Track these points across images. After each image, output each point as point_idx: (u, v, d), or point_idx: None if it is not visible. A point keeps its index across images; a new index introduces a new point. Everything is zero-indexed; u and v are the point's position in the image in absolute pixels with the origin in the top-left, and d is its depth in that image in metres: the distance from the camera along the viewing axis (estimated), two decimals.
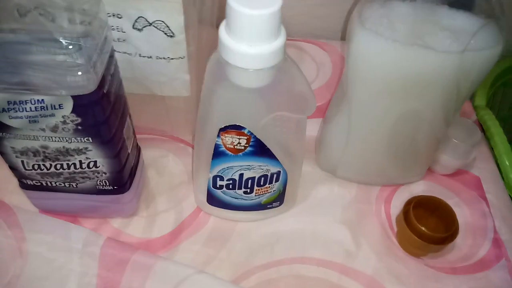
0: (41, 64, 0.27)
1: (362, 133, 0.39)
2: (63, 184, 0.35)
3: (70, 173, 0.34)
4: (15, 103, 0.28)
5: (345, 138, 0.40)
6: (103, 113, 0.30)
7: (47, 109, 0.29)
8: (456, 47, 0.31)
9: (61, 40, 0.26)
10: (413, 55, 0.31)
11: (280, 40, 0.27)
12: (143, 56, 0.37)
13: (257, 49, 0.26)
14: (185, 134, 0.46)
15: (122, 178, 0.35)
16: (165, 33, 0.35)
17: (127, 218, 0.40)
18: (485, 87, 0.55)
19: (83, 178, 0.35)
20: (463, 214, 0.42)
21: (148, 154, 0.44)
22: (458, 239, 0.40)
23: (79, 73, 0.27)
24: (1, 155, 0.33)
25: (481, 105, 0.53)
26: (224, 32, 0.27)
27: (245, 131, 0.31)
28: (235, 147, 0.32)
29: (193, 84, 0.40)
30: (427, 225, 0.40)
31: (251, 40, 0.26)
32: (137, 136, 0.40)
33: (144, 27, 0.35)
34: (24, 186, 0.36)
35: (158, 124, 0.45)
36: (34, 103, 0.28)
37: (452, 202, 0.43)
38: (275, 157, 0.34)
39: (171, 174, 0.43)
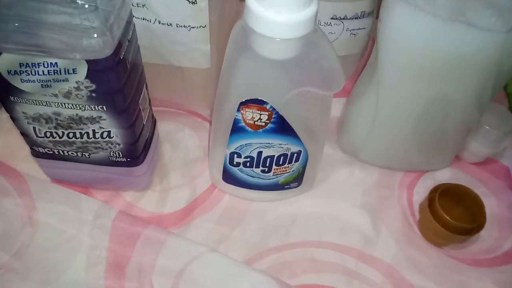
0: (55, 25, 0.25)
1: (390, 116, 0.37)
2: (75, 154, 0.34)
3: (83, 143, 0.33)
4: (27, 65, 0.27)
5: (371, 120, 0.38)
6: (118, 80, 0.28)
7: (60, 74, 0.27)
8: (502, 26, 0.28)
9: (78, 0, 0.24)
10: (454, 32, 0.28)
11: (311, 9, 0.25)
12: (163, 24, 0.35)
13: (286, 16, 0.24)
14: (203, 108, 0.45)
15: (136, 150, 0.34)
16: (187, 0, 0.33)
17: (139, 192, 0.39)
18: None
19: (96, 148, 0.33)
20: (490, 204, 0.40)
21: (163, 127, 0.42)
22: (483, 231, 0.38)
23: (95, 35, 0.25)
24: (13, 121, 0.32)
25: None
26: None
27: (267, 106, 0.29)
28: (255, 123, 0.30)
29: (213, 56, 0.39)
30: (452, 215, 0.38)
31: (280, 6, 0.24)
32: (153, 108, 0.39)
33: None
34: (35, 154, 0.35)
35: (175, 97, 0.44)
36: (47, 67, 0.27)
37: (478, 192, 0.40)
38: (297, 135, 0.32)
39: (186, 149, 0.42)
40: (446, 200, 0.37)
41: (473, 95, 0.34)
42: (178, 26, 0.35)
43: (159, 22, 0.35)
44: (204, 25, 0.35)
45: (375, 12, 0.42)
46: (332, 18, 0.40)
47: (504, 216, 0.40)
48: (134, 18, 0.35)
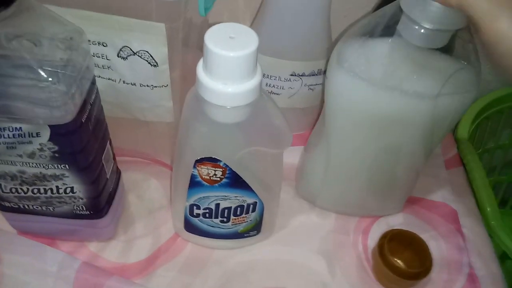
0: (20, 95, 0.27)
1: (340, 165, 0.39)
2: (40, 208, 0.35)
3: (47, 198, 0.34)
4: None
5: (324, 169, 0.40)
6: (80, 142, 0.30)
7: (24, 137, 0.29)
8: (430, 91, 0.31)
9: (40, 71, 0.26)
10: (388, 98, 0.31)
11: (256, 79, 0.27)
12: (127, 83, 0.38)
13: (233, 88, 0.27)
14: (168, 158, 0.46)
15: (99, 204, 0.36)
16: (149, 63, 0.36)
17: (104, 242, 0.40)
18: (468, 121, 0.56)
19: (60, 202, 0.35)
20: (439, 248, 0.43)
21: (129, 177, 0.44)
22: (434, 273, 0.40)
23: (57, 104, 0.27)
24: None
25: (462, 138, 0.53)
26: (201, 70, 0.28)
27: (221, 164, 0.31)
28: (211, 178, 0.33)
29: (177, 109, 0.41)
30: (403, 259, 0.40)
31: (227, 79, 0.27)
32: (120, 158, 0.40)
33: (129, 56, 0.35)
34: (2, 208, 0.36)
35: (141, 147, 0.46)
36: (12, 131, 0.29)
37: (429, 235, 0.43)
38: (251, 189, 0.34)
39: (152, 198, 0.44)
40: (396, 244, 0.39)
41: (416, 146, 0.37)
42: (141, 85, 0.37)
43: (124, 82, 0.37)
44: (166, 85, 0.38)
45: None
46: (291, 75, 0.43)
47: (453, 259, 0.42)
48: (100, 78, 0.37)
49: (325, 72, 0.45)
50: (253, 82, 0.27)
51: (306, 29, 0.40)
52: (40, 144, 0.30)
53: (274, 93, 0.45)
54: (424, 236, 0.40)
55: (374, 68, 0.32)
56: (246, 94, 0.27)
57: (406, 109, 0.32)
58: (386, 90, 0.31)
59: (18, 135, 0.29)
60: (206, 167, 0.32)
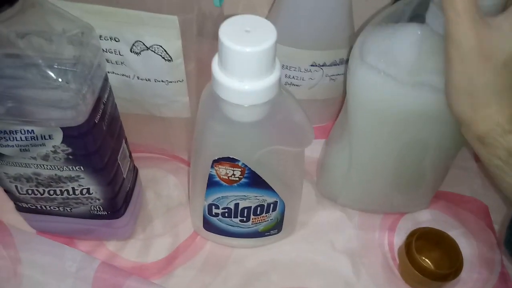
0: (30, 98, 0.26)
1: (364, 161, 0.37)
2: (57, 208, 0.35)
3: (63, 199, 0.34)
4: (5, 132, 0.28)
5: (347, 166, 0.38)
6: (94, 143, 0.29)
7: (37, 139, 0.28)
8: None
9: (49, 72, 0.25)
10: (415, 94, 0.29)
11: (274, 76, 0.26)
12: (142, 79, 0.36)
13: (250, 85, 0.25)
14: (186, 154, 0.45)
15: (116, 204, 0.35)
16: (163, 57, 0.34)
17: (123, 241, 0.39)
18: None
19: (76, 203, 0.34)
20: (470, 245, 0.41)
21: (147, 174, 0.43)
22: (463, 272, 0.38)
23: (68, 105, 0.26)
24: None
25: None
26: (216, 67, 0.26)
27: (239, 164, 0.30)
28: (229, 178, 0.31)
29: (194, 105, 0.40)
30: (431, 257, 0.39)
31: (244, 76, 0.25)
32: (136, 155, 0.39)
33: (142, 51, 0.34)
34: (19, 208, 0.36)
35: (158, 143, 0.45)
36: (24, 133, 0.28)
37: (458, 232, 0.41)
38: (271, 188, 0.33)
39: (170, 196, 0.43)
40: (424, 242, 0.37)
41: (447, 140, 0.35)
42: (156, 81, 0.36)
43: (138, 78, 0.36)
44: (181, 80, 0.36)
45: None
46: (311, 65, 0.41)
47: (483, 257, 0.40)
48: (113, 74, 0.36)
49: (347, 61, 0.42)
50: (271, 78, 0.26)
51: (326, 16, 0.38)
52: (53, 147, 0.29)
53: (294, 85, 0.43)
54: (453, 233, 0.38)
55: (400, 62, 0.29)
56: (265, 91, 0.26)
57: (435, 105, 0.29)
58: (413, 86, 0.29)
59: (31, 138, 0.28)
60: (224, 167, 0.31)
